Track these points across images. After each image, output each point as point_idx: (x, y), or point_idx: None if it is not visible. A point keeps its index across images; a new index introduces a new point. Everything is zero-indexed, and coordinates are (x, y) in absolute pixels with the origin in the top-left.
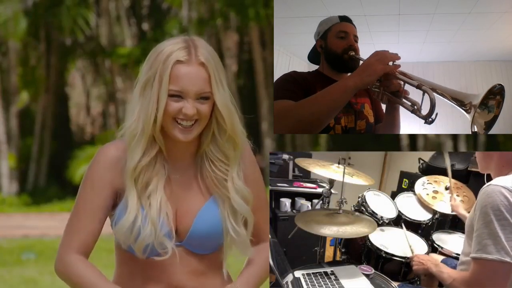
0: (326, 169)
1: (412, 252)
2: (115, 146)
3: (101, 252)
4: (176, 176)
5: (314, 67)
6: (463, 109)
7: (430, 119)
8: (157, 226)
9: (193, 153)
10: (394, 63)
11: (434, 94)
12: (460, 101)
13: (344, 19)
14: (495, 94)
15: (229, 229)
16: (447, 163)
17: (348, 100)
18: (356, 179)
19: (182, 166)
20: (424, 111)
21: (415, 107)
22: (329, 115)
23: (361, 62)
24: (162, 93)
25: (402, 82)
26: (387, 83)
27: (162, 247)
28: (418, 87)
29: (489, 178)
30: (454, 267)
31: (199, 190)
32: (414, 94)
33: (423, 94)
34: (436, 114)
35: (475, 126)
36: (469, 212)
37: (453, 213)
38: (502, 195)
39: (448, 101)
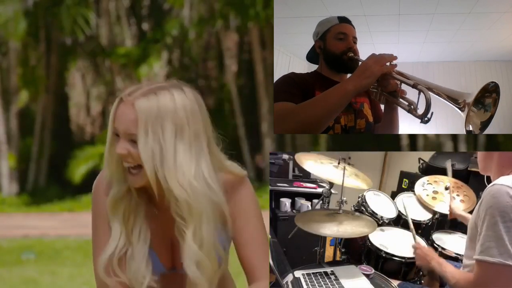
0: (325, 169)
1: (415, 240)
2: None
3: None
4: (156, 211)
5: (314, 67)
6: (457, 107)
7: (426, 118)
8: (137, 260)
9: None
10: (391, 63)
11: (430, 93)
12: (454, 99)
13: (343, 20)
14: (490, 92)
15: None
16: (448, 169)
17: (347, 103)
18: (354, 180)
19: (161, 203)
20: (420, 110)
21: (412, 106)
22: (329, 118)
23: (359, 63)
24: (110, 130)
25: (399, 82)
26: (385, 83)
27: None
28: (413, 86)
29: (489, 179)
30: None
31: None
32: (412, 94)
33: (419, 94)
34: (432, 113)
35: (470, 125)
36: (469, 212)
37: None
38: (508, 195)
39: (443, 100)
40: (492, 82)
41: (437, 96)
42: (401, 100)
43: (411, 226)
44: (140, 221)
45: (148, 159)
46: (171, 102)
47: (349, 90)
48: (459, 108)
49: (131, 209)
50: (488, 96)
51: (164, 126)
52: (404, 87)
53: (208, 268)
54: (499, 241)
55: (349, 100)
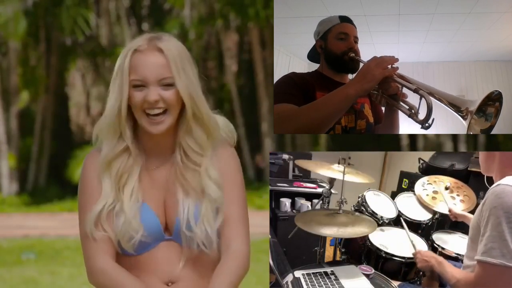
0: (326, 169)
1: (415, 248)
2: (97, 150)
3: None
4: (155, 168)
5: (314, 66)
6: (459, 115)
7: (426, 124)
8: (128, 215)
9: (171, 145)
10: (392, 66)
11: (431, 98)
12: (457, 107)
13: (345, 19)
14: (494, 100)
15: (185, 231)
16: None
17: (348, 107)
18: (355, 177)
19: (160, 159)
20: (421, 115)
21: (413, 111)
22: (330, 122)
23: (361, 64)
24: (124, 83)
25: (400, 86)
26: (386, 85)
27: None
28: (415, 91)
29: (489, 179)
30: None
31: (179, 183)
32: (412, 98)
33: (420, 99)
34: (433, 120)
35: (471, 132)
36: (469, 211)
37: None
38: None
39: (445, 106)
40: (496, 90)
41: (438, 102)
42: (402, 104)
43: (408, 233)
44: (133, 179)
45: (187, 96)
46: (181, 44)
47: (351, 94)
48: (462, 116)
49: (126, 169)
50: (491, 104)
51: (186, 64)
52: (405, 90)
53: (222, 190)
54: (503, 242)
55: (351, 104)
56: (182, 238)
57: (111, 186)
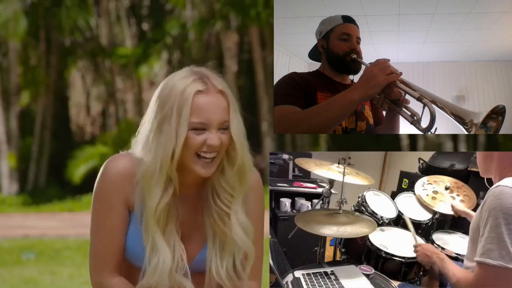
0: (326, 168)
1: (416, 240)
2: (124, 159)
3: None
4: (182, 212)
5: (314, 66)
6: (464, 127)
7: (429, 133)
8: (173, 267)
9: (200, 185)
10: (396, 72)
11: (435, 107)
12: (461, 118)
13: (347, 19)
14: (498, 114)
15: (212, 269)
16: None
17: (351, 112)
18: (355, 179)
19: (188, 199)
20: (424, 123)
21: (415, 118)
22: (332, 126)
23: (363, 66)
24: (182, 126)
25: (403, 92)
26: (388, 91)
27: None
28: (418, 99)
29: (489, 180)
30: None
31: (202, 227)
32: (415, 104)
33: (423, 107)
34: (436, 129)
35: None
36: (471, 209)
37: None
38: None
39: (449, 117)
40: (501, 104)
41: (442, 112)
42: (404, 110)
43: (410, 226)
44: (173, 228)
45: (239, 141)
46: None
47: (354, 99)
48: (466, 129)
49: (169, 217)
50: (494, 118)
51: (237, 106)
52: (406, 96)
53: (251, 237)
54: (501, 243)
55: (354, 109)
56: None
57: (163, 239)
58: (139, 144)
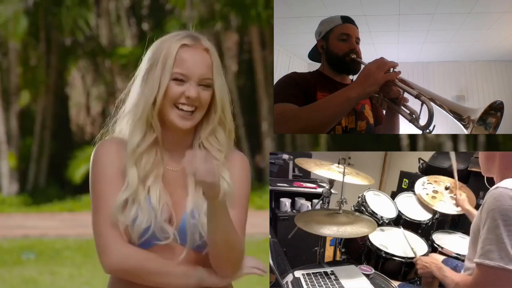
0: (326, 168)
1: (415, 254)
2: (111, 140)
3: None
4: (171, 167)
5: (314, 66)
6: (461, 123)
7: (427, 131)
8: (158, 211)
9: (189, 144)
10: (394, 69)
11: (433, 104)
12: (458, 115)
13: (347, 20)
14: (496, 110)
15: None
16: (453, 164)
17: (349, 110)
18: (355, 179)
19: (177, 157)
20: (422, 121)
21: (413, 116)
22: (331, 123)
23: (362, 66)
24: (165, 75)
25: (401, 90)
26: (387, 89)
27: (163, 232)
28: (417, 97)
29: (489, 180)
30: (455, 267)
31: (191, 183)
32: (413, 102)
33: (422, 105)
34: (434, 126)
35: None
36: (475, 208)
37: (458, 209)
38: (511, 199)
39: (447, 113)
40: (499, 100)
41: (440, 109)
42: (403, 108)
43: (409, 241)
44: (159, 180)
45: (220, 100)
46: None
47: (352, 97)
48: (464, 125)
49: (154, 165)
50: (492, 114)
51: (221, 69)
52: (406, 94)
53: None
54: (500, 244)
55: (352, 107)
56: (187, 227)
57: (138, 179)
58: (127, 104)
